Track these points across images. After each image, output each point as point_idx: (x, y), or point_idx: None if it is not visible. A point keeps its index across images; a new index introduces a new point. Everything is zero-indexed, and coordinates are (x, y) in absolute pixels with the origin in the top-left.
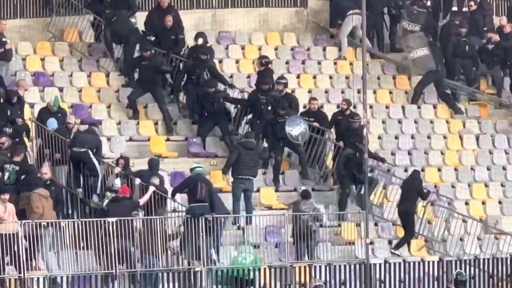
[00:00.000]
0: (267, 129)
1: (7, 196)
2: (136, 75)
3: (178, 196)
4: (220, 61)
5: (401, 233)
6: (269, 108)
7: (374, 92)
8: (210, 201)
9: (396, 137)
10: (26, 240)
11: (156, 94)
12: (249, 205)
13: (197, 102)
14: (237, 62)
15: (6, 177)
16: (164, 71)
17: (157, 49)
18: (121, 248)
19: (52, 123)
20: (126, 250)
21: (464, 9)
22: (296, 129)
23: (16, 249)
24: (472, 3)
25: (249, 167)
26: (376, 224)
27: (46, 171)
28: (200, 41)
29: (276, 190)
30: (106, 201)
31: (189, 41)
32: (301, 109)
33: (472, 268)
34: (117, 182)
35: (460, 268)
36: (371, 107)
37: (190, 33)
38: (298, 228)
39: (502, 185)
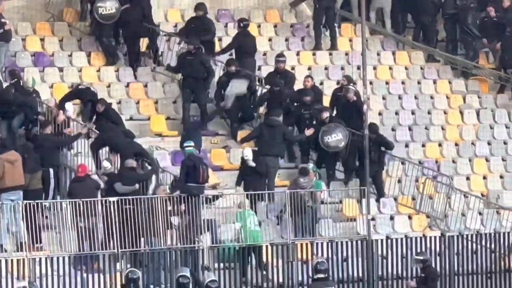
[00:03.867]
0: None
1: None
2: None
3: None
4: (220, 39)
5: (402, 208)
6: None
7: (374, 68)
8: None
9: (397, 113)
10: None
11: (199, 91)
12: (270, 183)
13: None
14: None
15: None
16: (209, 68)
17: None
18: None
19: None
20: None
21: None
22: (333, 137)
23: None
24: None
25: (269, 145)
26: (377, 200)
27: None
28: (200, 13)
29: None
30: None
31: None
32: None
33: (474, 243)
34: (106, 164)
35: (462, 243)
36: (371, 83)
37: (191, 11)
38: (294, 204)
39: (503, 160)
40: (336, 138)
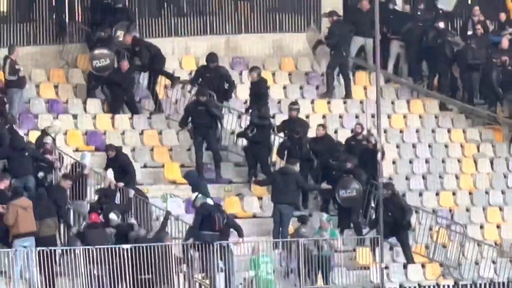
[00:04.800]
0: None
1: None
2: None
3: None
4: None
5: (416, 257)
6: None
7: (388, 117)
8: (235, 228)
9: (411, 161)
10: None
11: (210, 137)
12: (284, 230)
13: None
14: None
15: None
16: (218, 116)
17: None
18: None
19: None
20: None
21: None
22: (348, 192)
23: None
24: (479, 26)
25: (283, 193)
26: (391, 249)
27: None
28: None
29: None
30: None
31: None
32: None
33: None
34: (112, 216)
35: None
36: (385, 131)
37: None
38: (298, 253)
39: None
40: (350, 194)
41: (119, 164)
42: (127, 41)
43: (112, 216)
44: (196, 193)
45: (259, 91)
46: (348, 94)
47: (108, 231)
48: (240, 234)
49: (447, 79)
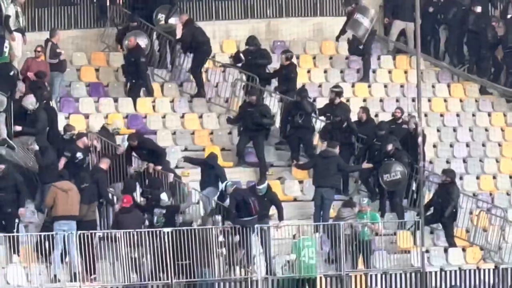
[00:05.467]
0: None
1: None
2: None
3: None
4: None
5: (457, 241)
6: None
7: (429, 100)
8: (277, 206)
9: (451, 145)
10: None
11: (258, 141)
12: (325, 214)
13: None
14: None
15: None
16: (264, 124)
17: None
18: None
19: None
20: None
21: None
22: (392, 175)
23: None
24: None
25: (324, 176)
26: (431, 232)
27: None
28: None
29: None
30: (155, 218)
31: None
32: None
33: None
34: (164, 197)
35: None
36: (425, 115)
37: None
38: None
39: None
40: (394, 177)
41: (147, 149)
42: (181, 19)
43: (163, 196)
44: (226, 181)
45: (288, 75)
46: (365, 77)
47: (158, 211)
48: (281, 216)
49: (488, 63)
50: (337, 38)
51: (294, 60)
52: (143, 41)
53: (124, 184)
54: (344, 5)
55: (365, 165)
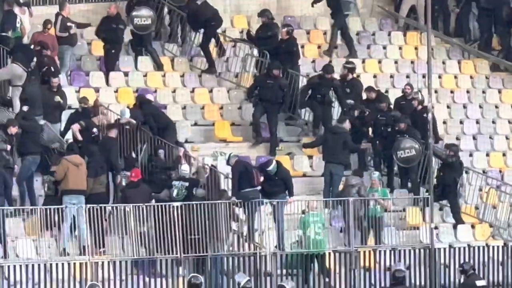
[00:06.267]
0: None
1: None
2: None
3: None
4: None
5: (466, 217)
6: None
7: (439, 77)
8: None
9: (461, 122)
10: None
11: (273, 115)
12: (334, 190)
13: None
14: (302, 47)
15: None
16: (287, 93)
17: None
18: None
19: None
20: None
21: None
22: (406, 152)
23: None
24: None
25: (333, 152)
26: (440, 209)
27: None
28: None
29: None
30: (174, 191)
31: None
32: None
33: None
34: (185, 168)
35: None
36: (436, 91)
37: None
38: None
39: None
40: (410, 154)
41: (151, 113)
42: None
43: (185, 167)
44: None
45: (289, 49)
46: (352, 54)
47: (179, 183)
48: (290, 192)
49: (506, 40)
50: (312, 4)
51: (302, 36)
52: (146, 13)
53: (125, 160)
54: None
55: (364, 145)
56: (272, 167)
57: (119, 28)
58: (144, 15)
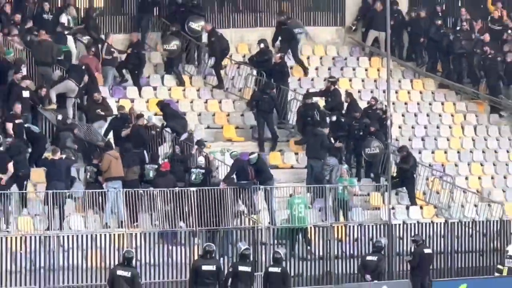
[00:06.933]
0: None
1: None
2: None
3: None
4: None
5: (416, 201)
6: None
7: (396, 92)
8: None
9: (413, 127)
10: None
11: (270, 120)
12: (316, 180)
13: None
14: (291, 68)
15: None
16: (278, 106)
17: None
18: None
19: None
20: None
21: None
22: (372, 150)
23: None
24: (465, 23)
25: (313, 150)
26: (396, 194)
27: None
28: (261, 46)
29: None
30: (193, 176)
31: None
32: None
33: (470, 229)
34: (201, 159)
35: (461, 228)
36: (393, 103)
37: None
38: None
39: (494, 164)
40: (374, 151)
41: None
42: (206, 28)
43: (201, 158)
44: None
45: (281, 70)
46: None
47: (196, 170)
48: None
49: (446, 65)
50: (273, 43)
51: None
52: (176, 42)
53: (151, 156)
54: (278, 15)
55: (337, 144)
56: (253, 157)
57: (141, 53)
58: (173, 44)
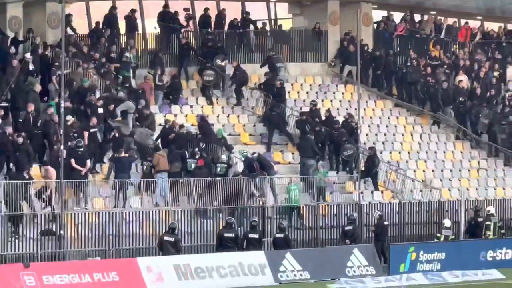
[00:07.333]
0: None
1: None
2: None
3: None
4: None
5: (379, 187)
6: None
7: (364, 110)
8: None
9: (376, 134)
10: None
11: (282, 128)
12: (310, 173)
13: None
14: (289, 92)
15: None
16: (284, 119)
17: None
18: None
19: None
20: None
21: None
22: (348, 152)
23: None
24: (414, 60)
25: (305, 151)
26: (364, 182)
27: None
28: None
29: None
30: (218, 168)
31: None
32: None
33: (417, 207)
34: (224, 157)
35: (410, 207)
36: (362, 118)
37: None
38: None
39: (434, 161)
40: (350, 152)
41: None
42: (233, 64)
43: (224, 156)
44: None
45: (281, 93)
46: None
47: (221, 165)
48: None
49: (400, 90)
50: (260, 67)
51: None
52: (212, 73)
53: (191, 153)
54: (268, 51)
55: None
56: (254, 156)
57: (179, 82)
58: (210, 75)
